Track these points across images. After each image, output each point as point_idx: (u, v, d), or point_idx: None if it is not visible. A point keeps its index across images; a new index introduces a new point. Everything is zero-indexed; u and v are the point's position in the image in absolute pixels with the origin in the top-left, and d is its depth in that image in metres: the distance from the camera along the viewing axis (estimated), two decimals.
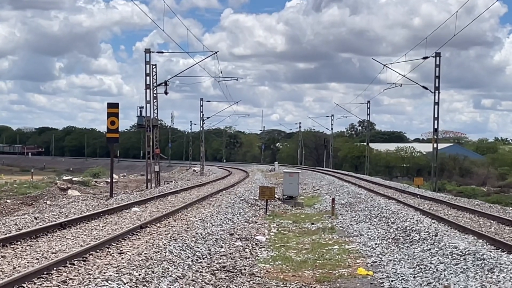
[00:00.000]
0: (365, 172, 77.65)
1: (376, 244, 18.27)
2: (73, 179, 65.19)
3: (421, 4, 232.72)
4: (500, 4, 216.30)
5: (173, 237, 16.17)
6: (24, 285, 10.49)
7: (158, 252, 13.88)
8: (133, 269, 11.86)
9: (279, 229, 22.27)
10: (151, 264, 12.61)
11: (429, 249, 15.86)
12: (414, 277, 13.59)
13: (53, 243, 14.78)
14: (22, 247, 14.14)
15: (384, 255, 16.48)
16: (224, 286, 12.75)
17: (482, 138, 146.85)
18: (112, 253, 13.82)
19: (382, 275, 14.25)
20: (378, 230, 20.81)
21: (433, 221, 21.10)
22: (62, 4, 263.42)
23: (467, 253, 14.36)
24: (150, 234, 17.00)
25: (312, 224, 23.82)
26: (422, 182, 52.20)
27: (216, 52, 50.41)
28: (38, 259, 12.80)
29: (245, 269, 14.50)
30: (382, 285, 13.45)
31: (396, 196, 32.29)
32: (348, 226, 22.93)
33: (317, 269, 15.09)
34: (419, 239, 17.48)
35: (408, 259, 15.41)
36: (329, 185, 45.41)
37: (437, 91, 48.61)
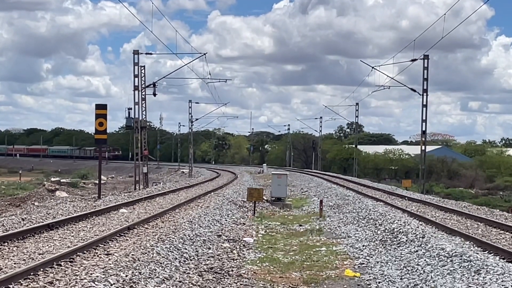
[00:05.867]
0: (354, 174, 77.84)
1: (363, 245, 18.31)
2: (61, 180, 65.13)
3: (408, 6, 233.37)
4: (487, 7, 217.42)
5: (160, 238, 16.16)
6: (11, 286, 10.46)
7: (146, 253, 13.87)
8: (120, 270, 11.84)
9: (267, 230, 22.28)
10: (139, 265, 12.59)
11: (416, 251, 15.92)
12: (401, 279, 13.64)
13: (40, 244, 14.74)
14: (9, 248, 14.09)
15: (372, 257, 16.53)
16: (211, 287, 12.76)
17: (470, 140, 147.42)
18: (99, 254, 13.80)
19: (369, 276, 14.29)
20: (365, 232, 20.86)
21: (420, 223, 21.18)
22: (48, 5, 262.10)
23: (454, 254, 14.42)
24: (138, 236, 16.98)
25: (300, 225, 23.85)
26: (410, 184, 52.37)
27: (204, 54, 50.42)
28: (25, 260, 12.76)
29: (232, 271, 14.51)
30: (369, 286, 13.49)
31: (384, 198, 32.37)
32: (336, 227, 22.97)
33: (304, 270, 15.11)
34: (406, 240, 17.55)
35: (395, 261, 15.46)
36: (317, 187, 45.47)
37: (425, 94, 48.78)
